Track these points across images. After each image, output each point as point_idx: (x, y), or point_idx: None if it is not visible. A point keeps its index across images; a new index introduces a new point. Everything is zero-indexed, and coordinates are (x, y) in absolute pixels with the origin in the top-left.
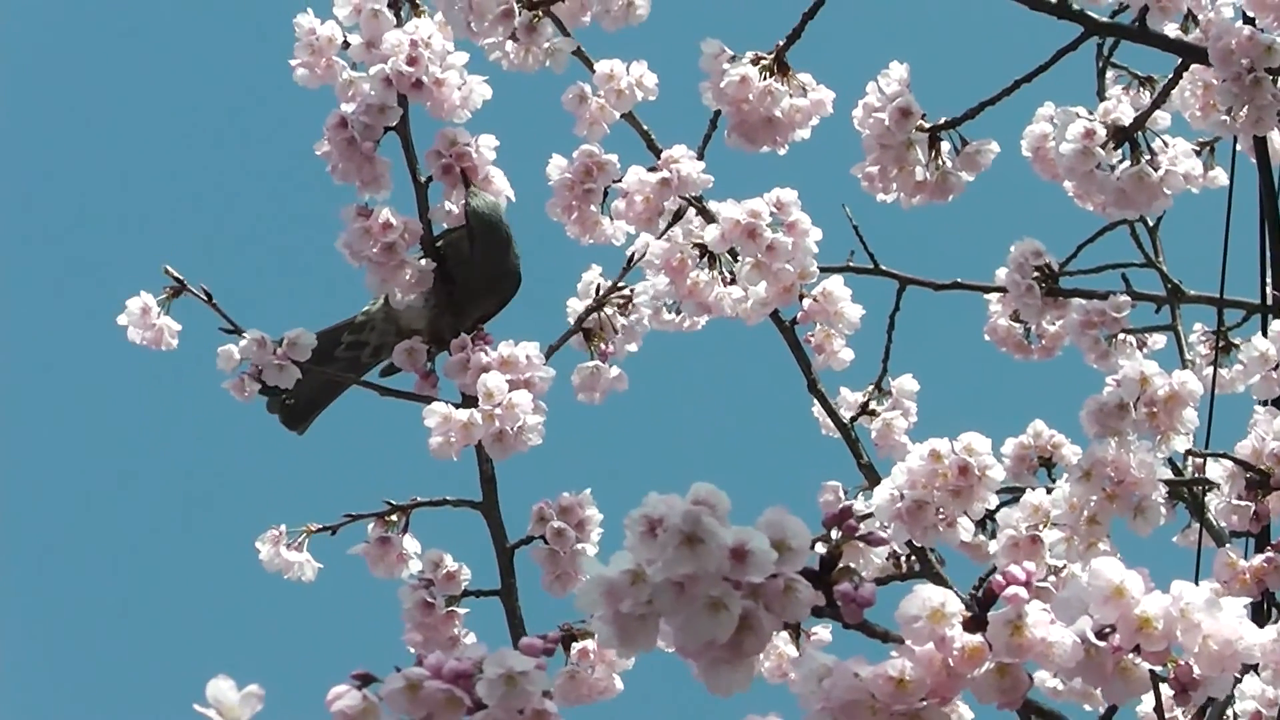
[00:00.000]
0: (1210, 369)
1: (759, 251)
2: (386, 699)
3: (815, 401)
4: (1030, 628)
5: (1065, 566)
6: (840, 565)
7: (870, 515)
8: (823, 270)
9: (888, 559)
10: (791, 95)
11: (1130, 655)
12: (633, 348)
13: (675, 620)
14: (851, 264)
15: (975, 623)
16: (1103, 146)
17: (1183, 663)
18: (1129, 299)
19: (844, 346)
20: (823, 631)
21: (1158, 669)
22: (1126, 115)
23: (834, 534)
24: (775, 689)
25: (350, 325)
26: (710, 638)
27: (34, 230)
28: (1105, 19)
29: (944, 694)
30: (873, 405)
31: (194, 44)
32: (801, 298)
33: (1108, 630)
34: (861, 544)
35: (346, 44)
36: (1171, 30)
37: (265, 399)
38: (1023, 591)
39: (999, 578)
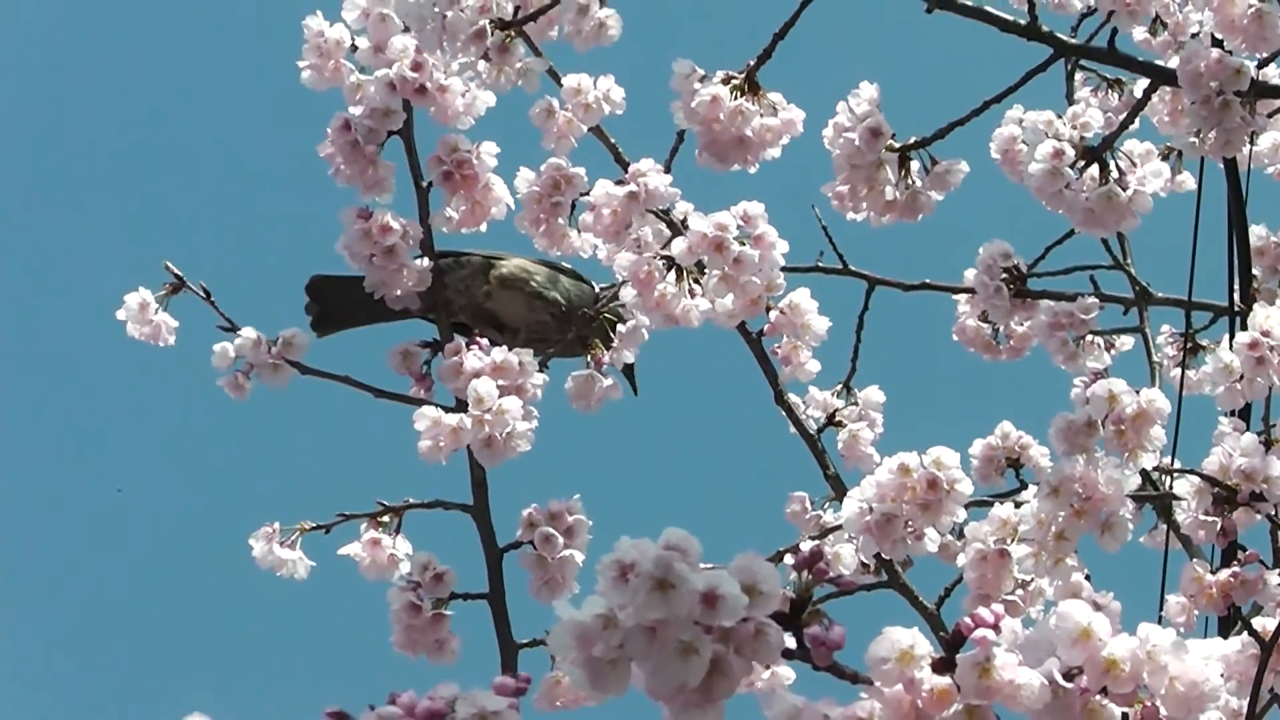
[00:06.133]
0: (1178, 370)
1: (726, 264)
2: None
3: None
4: (998, 669)
5: (1033, 581)
6: (810, 609)
7: (838, 528)
8: (791, 270)
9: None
10: (762, 115)
11: (1097, 697)
12: (629, 356)
13: (646, 665)
14: (820, 264)
15: (944, 664)
16: (1071, 166)
17: (1149, 704)
18: (1097, 301)
19: (810, 358)
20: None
21: (1125, 710)
22: (1095, 119)
23: (804, 576)
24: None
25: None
26: (681, 682)
27: (37, 224)
28: (1074, 40)
29: None
30: (840, 417)
31: (202, 41)
32: (769, 310)
33: (1075, 672)
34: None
35: (354, 47)
36: (1139, 33)
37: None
38: (991, 634)
39: (967, 620)
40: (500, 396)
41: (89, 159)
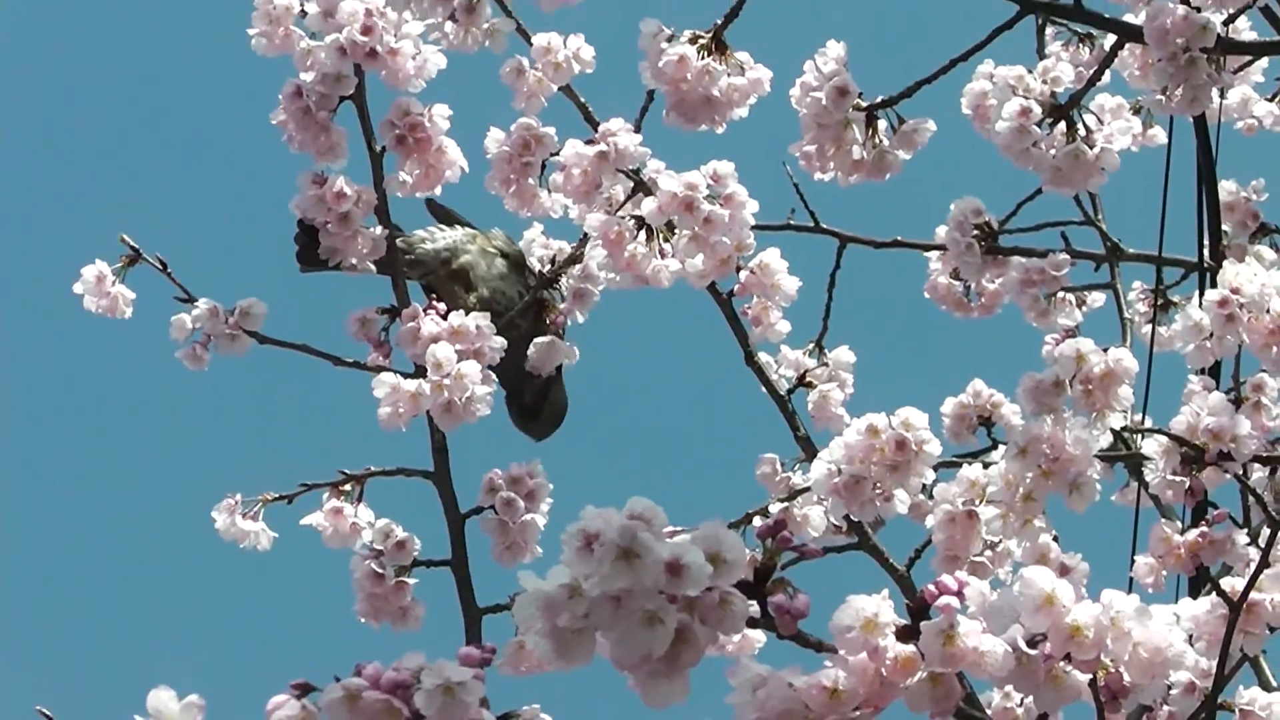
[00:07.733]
0: (1149, 326)
1: (696, 224)
2: (325, 709)
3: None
4: (962, 637)
5: (1001, 542)
6: (775, 577)
7: (808, 489)
8: (763, 229)
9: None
10: (729, 74)
11: (1061, 663)
12: (582, 318)
13: (612, 634)
14: (792, 222)
15: (908, 632)
16: (1039, 123)
17: (1113, 670)
18: (1068, 257)
19: (781, 319)
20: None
21: (1089, 676)
22: (1066, 74)
23: (769, 544)
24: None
25: (419, 240)
26: (646, 651)
27: None
28: None
29: (877, 703)
30: (810, 377)
31: (151, 12)
32: (739, 270)
33: (1039, 638)
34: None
35: (304, 13)
36: None
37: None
38: (955, 601)
39: (931, 587)
40: (458, 361)
41: (43, 133)
